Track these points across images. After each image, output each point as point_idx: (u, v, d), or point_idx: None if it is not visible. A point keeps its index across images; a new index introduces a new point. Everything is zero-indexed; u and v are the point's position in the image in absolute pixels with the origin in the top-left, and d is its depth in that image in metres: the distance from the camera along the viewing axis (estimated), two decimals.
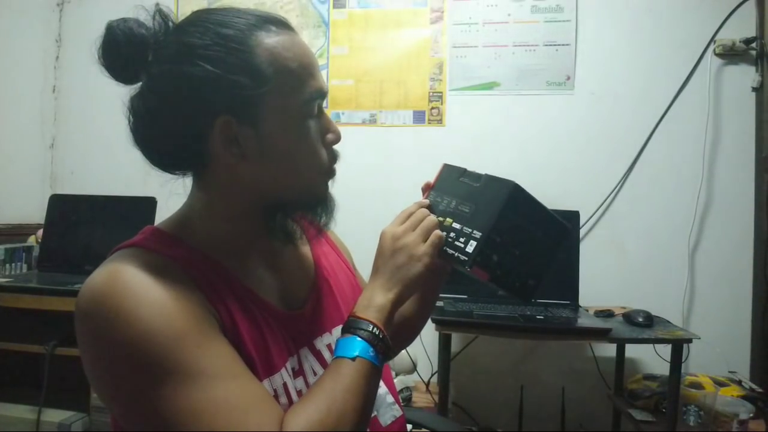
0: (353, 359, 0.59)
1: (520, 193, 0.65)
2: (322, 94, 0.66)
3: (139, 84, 0.64)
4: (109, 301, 0.54)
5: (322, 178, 0.69)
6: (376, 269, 0.68)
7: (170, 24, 0.63)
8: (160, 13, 0.63)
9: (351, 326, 0.63)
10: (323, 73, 2.15)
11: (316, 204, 0.69)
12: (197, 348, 0.53)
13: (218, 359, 0.54)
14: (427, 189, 0.77)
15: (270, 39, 0.62)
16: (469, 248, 0.64)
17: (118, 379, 0.54)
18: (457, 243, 0.66)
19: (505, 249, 0.64)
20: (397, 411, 0.77)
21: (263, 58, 0.61)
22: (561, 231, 0.68)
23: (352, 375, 0.58)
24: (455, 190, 0.71)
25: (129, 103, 0.64)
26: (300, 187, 0.67)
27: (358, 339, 0.61)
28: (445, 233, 0.68)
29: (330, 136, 0.68)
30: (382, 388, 0.76)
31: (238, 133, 0.61)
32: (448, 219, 0.69)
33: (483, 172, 0.70)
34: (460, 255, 0.65)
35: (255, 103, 0.61)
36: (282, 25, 0.66)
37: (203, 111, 0.60)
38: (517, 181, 0.65)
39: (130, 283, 0.55)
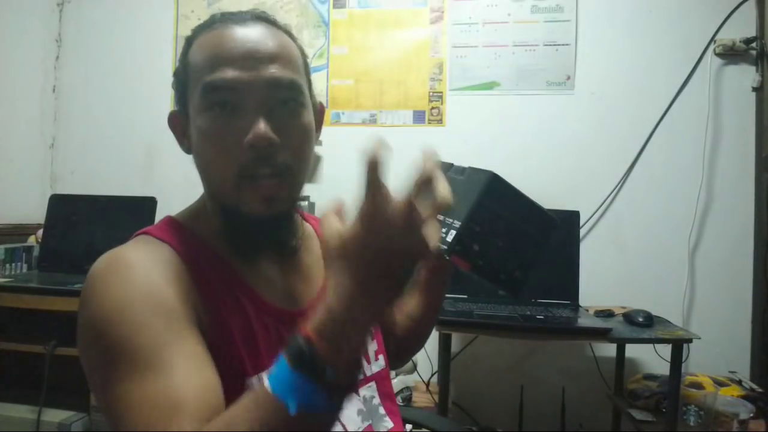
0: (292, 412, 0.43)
1: (498, 183, 0.64)
2: (210, 86, 0.61)
3: None
4: (92, 281, 0.57)
5: (236, 178, 0.61)
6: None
7: None
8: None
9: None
10: (323, 73, 2.15)
11: (236, 211, 0.62)
12: (154, 338, 0.52)
13: (174, 353, 0.52)
14: None
15: (204, 35, 0.65)
16: (449, 237, 0.64)
17: (82, 349, 0.57)
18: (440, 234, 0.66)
19: (486, 239, 0.63)
20: (388, 422, 0.74)
21: (191, 54, 0.66)
22: (548, 223, 0.67)
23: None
24: None
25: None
26: (216, 189, 0.64)
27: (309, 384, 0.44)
28: None
29: (247, 138, 0.60)
30: (376, 399, 0.74)
31: (185, 125, 0.67)
32: None
33: (467, 166, 0.70)
34: (441, 245, 0.65)
35: (186, 96, 0.66)
36: (232, 19, 0.65)
37: (177, 103, 0.69)
38: (507, 176, 0.64)
39: (117, 267, 0.58)
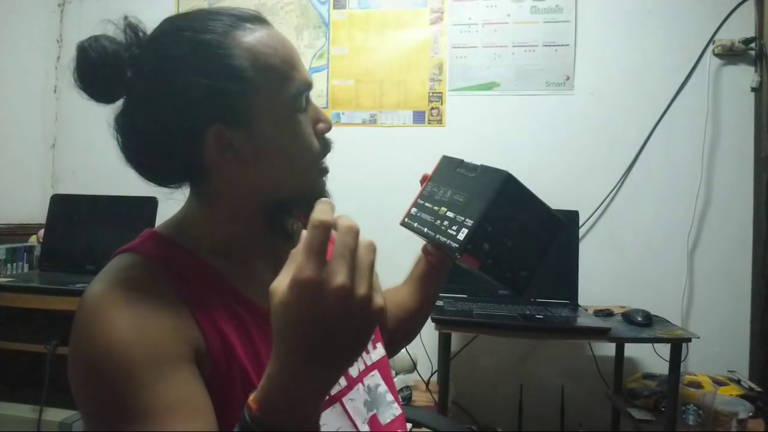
0: None
1: (513, 183, 0.65)
2: (307, 86, 0.65)
3: (122, 101, 0.62)
4: (86, 319, 0.55)
5: (318, 170, 0.68)
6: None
7: (141, 35, 0.62)
8: (129, 26, 0.62)
9: None
10: (323, 74, 2.16)
11: (314, 199, 0.68)
12: (144, 385, 0.52)
13: (164, 403, 0.52)
14: (425, 180, 0.78)
15: (248, 38, 0.60)
16: (460, 235, 0.64)
17: (73, 385, 0.56)
18: (449, 231, 0.66)
19: (496, 238, 0.63)
20: (396, 409, 0.77)
21: (244, 59, 0.59)
22: (556, 224, 0.68)
23: None
24: (452, 180, 0.72)
25: (114, 123, 0.62)
26: (298, 183, 0.65)
27: None
28: (438, 221, 0.68)
29: (321, 126, 0.67)
30: (382, 387, 0.76)
31: (232, 139, 0.60)
32: (442, 208, 0.69)
33: (479, 163, 0.70)
34: (451, 242, 0.65)
35: (243, 106, 0.59)
36: (257, 20, 0.64)
37: (192, 122, 0.59)
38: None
39: (106, 304, 0.55)
